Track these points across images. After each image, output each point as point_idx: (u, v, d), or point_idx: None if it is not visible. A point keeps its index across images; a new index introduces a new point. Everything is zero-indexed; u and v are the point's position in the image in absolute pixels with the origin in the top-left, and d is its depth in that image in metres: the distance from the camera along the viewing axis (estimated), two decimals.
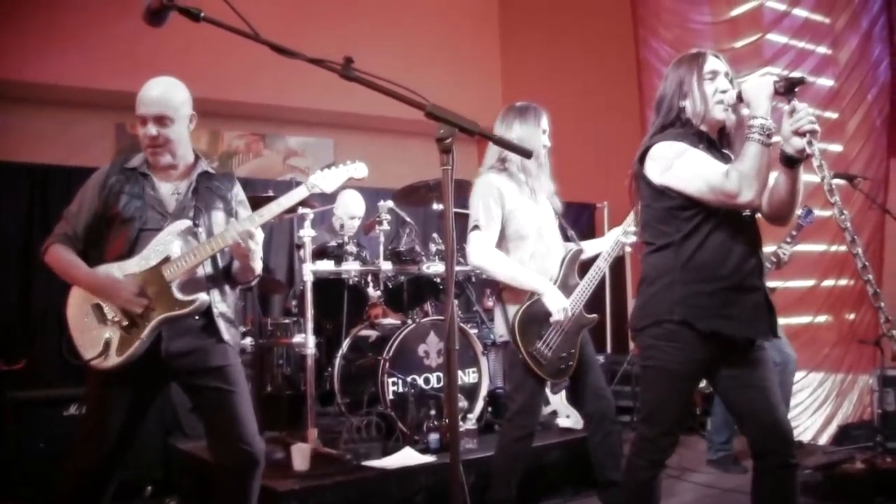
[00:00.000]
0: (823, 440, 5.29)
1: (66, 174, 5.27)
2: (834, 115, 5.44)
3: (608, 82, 7.29)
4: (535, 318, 3.12)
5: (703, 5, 6.32)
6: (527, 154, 2.08)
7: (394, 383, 4.06)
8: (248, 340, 4.42)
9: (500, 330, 3.25)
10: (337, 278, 4.33)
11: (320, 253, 4.42)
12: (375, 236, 4.43)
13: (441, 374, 4.24)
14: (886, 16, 5.52)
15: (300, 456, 3.56)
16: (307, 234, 3.97)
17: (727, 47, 5.73)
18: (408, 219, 4.72)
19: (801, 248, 4.42)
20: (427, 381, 4.20)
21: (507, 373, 3.28)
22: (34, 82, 6.48)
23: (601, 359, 5.91)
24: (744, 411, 2.43)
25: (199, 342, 2.53)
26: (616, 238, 3.38)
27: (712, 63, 2.44)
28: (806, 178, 2.37)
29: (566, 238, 3.41)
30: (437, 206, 4.67)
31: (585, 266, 3.35)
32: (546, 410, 4.56)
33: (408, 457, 3.70)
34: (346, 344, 4.29)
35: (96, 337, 2.44)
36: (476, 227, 3.13)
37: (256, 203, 2.76)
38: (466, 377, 4.31)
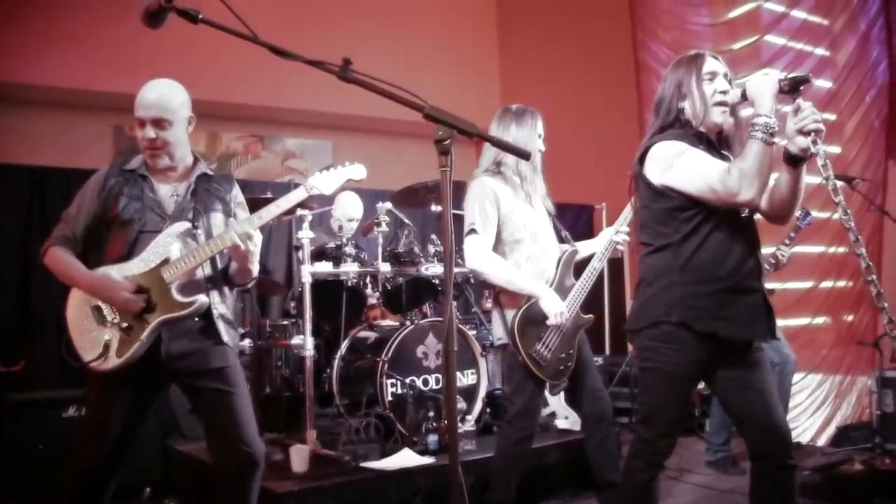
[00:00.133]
0: (822, 441, 5.30)
1: (65, 176, 5.27)
2: (832, 117, 5.45)
3: (606, 84, 7.29)
4: (534, 320, 3.12)
5: (701, 7, 6.33)
6: (525, 156, 2.09)
7: (392, 385, 4.06)
8: (247, 342, 4.42)
9: (497, 333, 3.25)
10: (335, 280, 4.33)
11: (319, 254, 4.42)
12: (374, 238, 4.43)
13: (440, 376, 4.24)
14: (884, 17, 5.53)
15: (299, 457, 3.56)
16: (306, 235, 3.97)
17: (725, 49, 5.73)
18: (406, 220, 4.73)
19: (800, 249, 4.42)
20: (426, 382, 4.20)
21: (506, 375, 3.28)
22: (33, 84, 6.48)
23: (599, 360, 5.94)
24: (742, 413, 2.42)
25: (198, 344, 2.54)
26: (609, 238, 3.38)
27: (711, 64, 2.44)
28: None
29: (560, 239, 3.41)
30: (435, 208, 4.67)
31: (580, 267, 3.35)
32: (545, 412, 4.55)
33: (406, 458, 3.70)
34: (344, 345, 4.29)
35: (96, 339, 2.44)
36: (472, 230, 3.13)
37: (255, 205, 2.76)
38: (465, 378, 4.31)
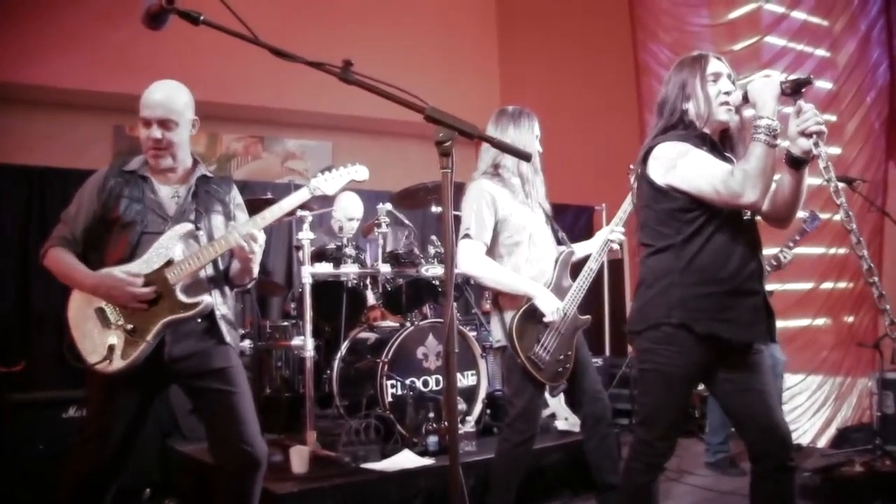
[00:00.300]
0: (822, 443, 5.30)
1: (64, 176, 5.27)
2: (832, 118, 5.45)
3: (606, 85, 7.29)
4: (532, 322, 3.11)
5: (701, 8, 6.33)
6: (527, 157, 2.08)
7: (392, 386, 4.06)
8: (247, 343, 4.42)
9: (497, 335, 3.25)
10: (335, 281, 4.33)
11: (319, 255, 4.42)
12: (374, 239, 4.43)
13: (440, 377, 4.24)
14: (885, 19, 5.52)
15: (299, 458, 3.56)
16: (306, 236, 3.97)
17: (726, 50, 5.73)
18: (406, 221, 4.73)
19: (800, 250, 4.42)
20: (426, 383, 4.19)
21: (505, 377, 3.27)
22: (32, 84, 6.48)
23: (599, 361, 5.94)
24: (742, 415, 2.42)
25: (201, 345, 2.54)
26: (604, 238, 3.38)
27: (715, 65, 2.43)
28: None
29: (558, 241, 3.41)
30: (435, 209, 4.67)
31: (578, 268, 3.34)
32: (545, 413, 4.55)
33: (406, 459, 3.70)
34: (344, 346, 4.28)
35: (100, 341, 2.43)
36: (466, 234, 3.13)
37: (255, 206, 2.77)
38: (465, 380, 4.31)
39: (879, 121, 5.49)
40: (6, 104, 6.63)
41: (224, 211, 2.66)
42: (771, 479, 2.37)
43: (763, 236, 2.47)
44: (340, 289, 4.33)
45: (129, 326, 2.43)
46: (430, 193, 4.62)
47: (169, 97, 2.52)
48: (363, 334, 4.45)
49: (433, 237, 4.63)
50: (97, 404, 2.53)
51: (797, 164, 2.25)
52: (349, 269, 4.28)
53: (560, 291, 3.20)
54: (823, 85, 5.55)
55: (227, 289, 2.66)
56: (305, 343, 3.91)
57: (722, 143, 2.48)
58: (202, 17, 1.70)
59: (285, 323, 4.74)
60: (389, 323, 4.62)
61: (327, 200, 4.71)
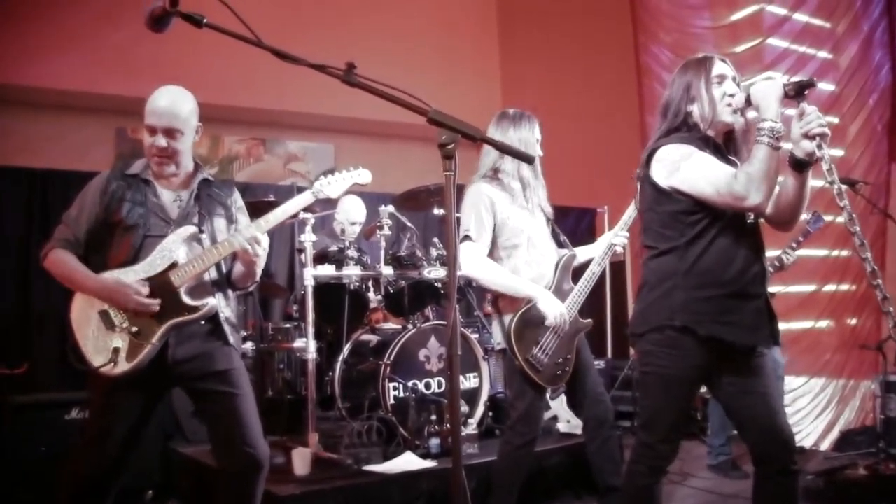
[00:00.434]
0: (825, 446, 5.28)
1: (66, 178, 5.28)
2: (835, 120, 5.44)
3: (608, 87, 7.29)
4: (531, 324, 3.11)
5: (703, 10, 6.33)
6: (529, 160, 2.09)
7: (395, 388, 4.05)
8: (249, 345, 4.42)
9: (497, 337, 3.25)
10: (338, 283, 4.32)
11: (321, 257, 4.42)
12: (376, 241, 4.43)
13: (442, 379, 4.24)
14: (887, 20, 5.52)
15: (301, 460, 3.56)
16: (308, 238, 3.97)
17: (728, 52, 5.72)
18: (409, 223, 4.72)
19: (803, 252, 4.41)
20: (428, 385, 4.19)
21: (507, 380, 3.28)
22: (34, 86, 6.48)
23: (601, 364, 5.93)
24: (744, 418, 2.41)
25: (204, 347, 2.54)
26: (608, 241, 3.37)
27: (720, 67, 2.43)
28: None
29: (559, 244, 3.41)
30: (437, 211, 4.67)
31: (580, 271, 3.34)
32: (547, 415, 4.55)
33: (409, 462, 3.70)
34: (346, 348, 4.28)
35: (104, 344, 2.43)
36: (466, 237, 3.13)
37: (257, 208, 2.77)
38: (467, 382, 4.31)
39: (882, 123, 5.48)
40: (8, 106, 6.62)
41: (226, 214, 2.67)
42: (774, 483, 2.36)
43: (765, 238, 2.47)
44: (343, 291, 4.33)
45: (134, 329, 2.43)
46: (432, 195, 4.62)
47: (174, 105, 2.52)
48: (365, 336, 4.45)
49: (435, 239, 4.63)
50: (99, 406, 2.53)
51: (801, 166, 2.24)
52: (351, 272, 4.28)
53: (561, 294, 3.20)
54: (826, 87, 5.54)
55: (229, 291, 2.67)
56: (307, 345, 3.90)
57: (726, 146, 2.47)
58: (205, 20, 1.70)
59: (287, 325, 4.74)
60: (391, 325, 4.62)
61: (330, 203, 4.71)
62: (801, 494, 2.39)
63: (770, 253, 2.70)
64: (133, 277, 2.45)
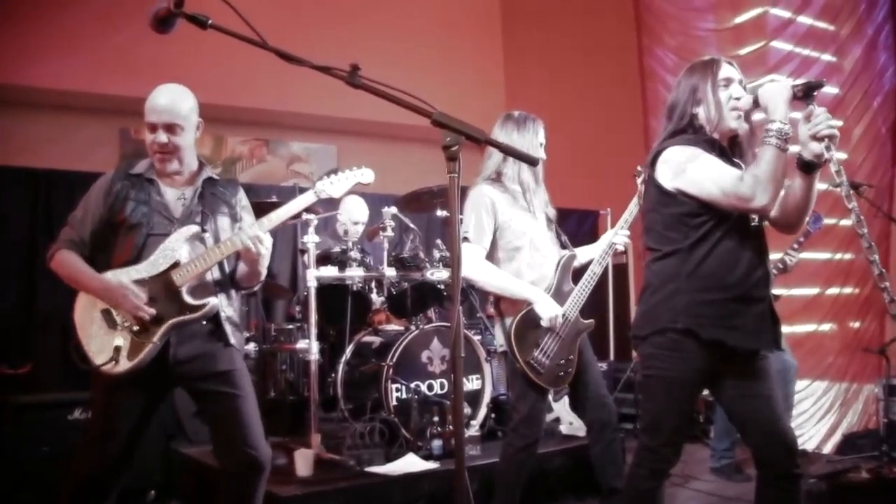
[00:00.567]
0: (827, 449, 5.27)
1: (70, 179, 5.29)
2: (838, 123, 5.40)
3: (611, 89, 7.29)
4: (532, 326, 3.11)
5: (707, 12, 6.33)
6: (534, 162, 2.08)
7: (397, 389, 4.05)
8: (252, 346, 4.42)
9: (500, 339, 3.25)
10: (340, 284, 4.32)
11: (324, 259, 4.42)
12: (379, 242, 4.43)
13: (444, 381, 4.24)
14: (891, 23, 5.52)
15: (303, 461, 3.56)
16: (311, 239, 3.97)
17: (731, 54, 5.72)
18: (411, 225, 4.72)
19: (806, 255, 4.41)
20: (430, 387, 4.19)
21: (509, 382, 3.28)
22: (37, 87, 6.48)
23: (604, 366, 5.92)
24: (747, 421, 2.40)
25: (206, 347, 2.54)
26: (608, 241, 3.36)
27: (726, 70, 2.42)
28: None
29: (562, 246, 3.40)
30: (440, 213, 4.67)
31: (581, 272, 3.33)
32: (549, 417, 4.54)
33: (411, 463, 3.70)
34: (349, 350, 4.28)
35: (106, 342, 2.44)
36: (465, 238, 3.13)
37: (260, 209, 2.77)
38: (470, 384, 4.30)
39: (886, 126, 5.48)
40: (11, 106, 6.63)
41: (230, 213, 2.67)
42: (776, 487, 2.35)
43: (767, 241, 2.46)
44: (345, 292, 4.33)
45: (136, 328, 2.44)
46: (435, 197, 4.62)
47: (174, 101, 2.52)
48: (368, 338, 4.45)
49: (438, 241, 4.63)
50: (101, 406, 2.53)
51: (809, 168, 2.23)
52: (354, 273, 4.28)
53: (561, 296, 3.20)
54: (830, 90, 5.55)
55: (232, 291, 2.67)
56: (310, 346, 3.90)
57: (731, 149, 2.46)
58: (210, 22, 1.70)
59: (290, 326, 4.74)
60: (394, 326, 4.62)
61: (332, 204, 4.71)
62: (803, 497, 2.38)
63: (772, 255, 2.69)
64: (134, 276, 2.45)
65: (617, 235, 3.35)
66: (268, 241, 2.52)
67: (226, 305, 2.60)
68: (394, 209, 4.49)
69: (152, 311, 2.43)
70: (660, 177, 2.39)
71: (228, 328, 2.58)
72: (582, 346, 3.29)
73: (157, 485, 4.07)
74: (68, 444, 3.74)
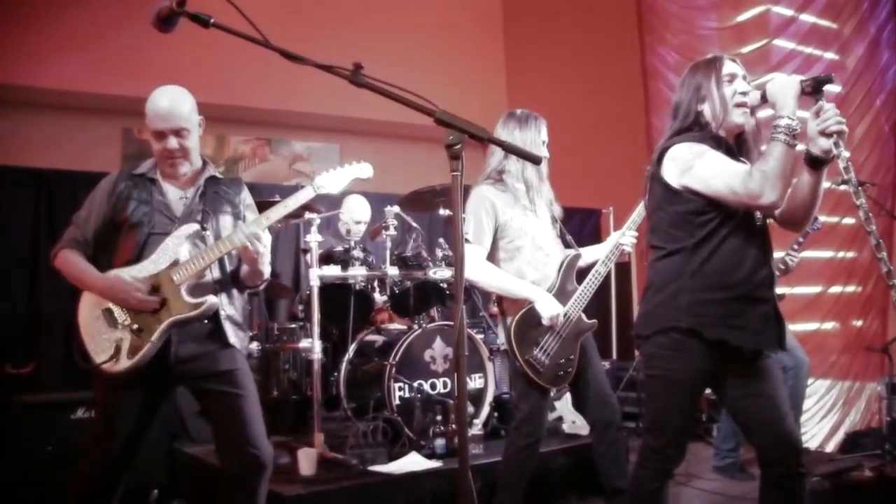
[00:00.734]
0: (830, 447, 5.27)
1: (73, 179, 5.29)
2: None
3: (614, 88, 7.28)
4: (532, 325, 3.11)
5: (709, 11, 6.32)
6: (536, 160, 2.08)
7: (400, 388, 4.06)
8: (255, 345, 4.42)
9: (502, 338, 3.25)
10: (343, 283, 4.33)
11: (326, 258, 4.42)
12: (382, 241, 4.43)
13: (447, 380, 4.24)
14: (894, 22, 5.51)
15: (306, 461, 3.56)
16: (313, 239, 3.97)
17: (734, 53, 5.66)
18: (414, 224, 4.72)
19: (808, 254, 4.40)
20: (433, 386, 4.19)
21: (511, 381, 3.27)
22: (41, 87, 6.50)
23: (607, 365, 5.92)
24: (751, 421, 2.39)
25: (206, 346, 2.54)
26: (615, 241, 3.36)
27: (730, 66, 2.42)
28: None
29: (566, 245, 3.40)
30: (443, 212, 4.67)
31: (586, 271, 3.33)
32: (552, 416, 4.54)
33: (414, 462, 3.70)
34: (352, 349, 4.28)
35: (107, 341, 2.45)
36: (465, 239, 3.12)
37: (263, 208, 2.77)
38: (472, 383, 4.30)
39: (889, 124, 5.47)
40: (14, 106, 6.65)
41: (233, 212, 2.67)
42: (780, 486, 2.34)
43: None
44: (348, 291, 4.34)
45: (136, 326, 2.44)
46: (438, 196, 4.62)
47: (176, 105, 2.52)
48: (371, 337, 4.46)
49: (441, 240, 4.63)
50: (104, 405, 2.54)
51: (817, 164, 2.22)
52: (357, 272, 4.28)
53: (564, 295, 3.20)
54: (832, 88, 5.53)
55: (234, 290, 2.67)
56: (313, 345, 3.91)
57: (737, 147, 2.44)
58: (212, 21, 1.70)
59: (293, 325, 4.74)
60: (397, 325, 4.62)
61: (335, 203, 4.72)
62: (807, 496, 2.37)
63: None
64: (135, 275, 2.45)
65: (624, 236, 3.34)
66: (266, 238, 2.51)
67: (226, 304, 2.60)
68: (396, 208, 4.49)
69: (156, 298, 2.43)
70: (666, 174, 2.38)
71: (229, 327, 2.58)
72: (585, 346, 3.28)
73: (161, 484, 4.07)
74: (71, 444, 3.75)
